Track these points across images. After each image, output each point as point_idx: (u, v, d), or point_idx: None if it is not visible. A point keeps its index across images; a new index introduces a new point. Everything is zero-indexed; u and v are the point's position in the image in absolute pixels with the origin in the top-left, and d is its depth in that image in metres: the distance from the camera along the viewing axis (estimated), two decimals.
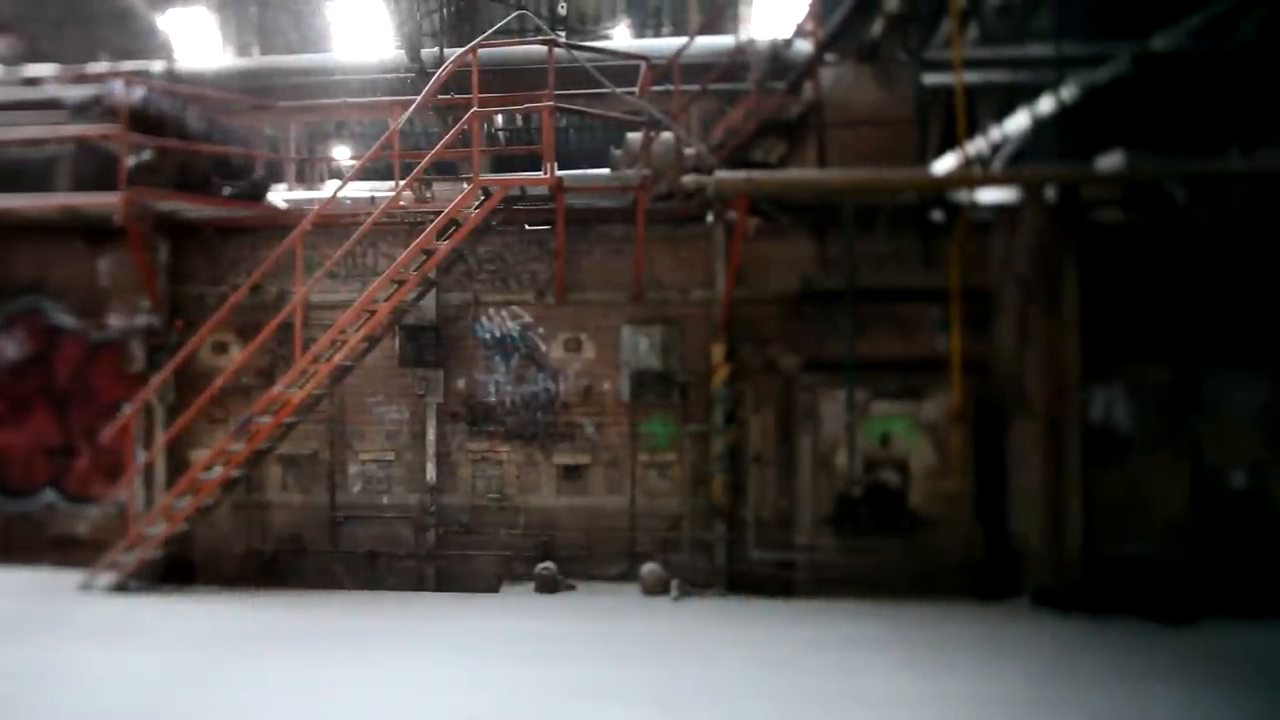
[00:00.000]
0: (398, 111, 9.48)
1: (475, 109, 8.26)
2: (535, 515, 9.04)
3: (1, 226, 9.25)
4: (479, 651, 6.60)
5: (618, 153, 9.89)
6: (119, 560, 8.32)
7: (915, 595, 8.14)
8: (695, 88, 9.94)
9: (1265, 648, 6.74)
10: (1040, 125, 8.92)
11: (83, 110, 9.30)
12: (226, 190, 9.46)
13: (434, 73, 9.01)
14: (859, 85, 8.87)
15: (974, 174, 8.25)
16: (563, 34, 15.95)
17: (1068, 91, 8.63)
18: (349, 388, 9.00)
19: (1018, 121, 9.21)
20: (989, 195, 8.35)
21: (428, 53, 11.35)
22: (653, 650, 6.67)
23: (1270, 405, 8.00)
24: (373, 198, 10.53)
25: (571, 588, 8.64)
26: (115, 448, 8.90)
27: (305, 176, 14.78)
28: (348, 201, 9.71)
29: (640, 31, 18.80)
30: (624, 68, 9.40)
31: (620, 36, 18.21)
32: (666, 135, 9.13)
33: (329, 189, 9.99)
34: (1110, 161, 7.91)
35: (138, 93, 9.10)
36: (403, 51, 11.48)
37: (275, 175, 12.25)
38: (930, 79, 9.00)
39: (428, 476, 9.11)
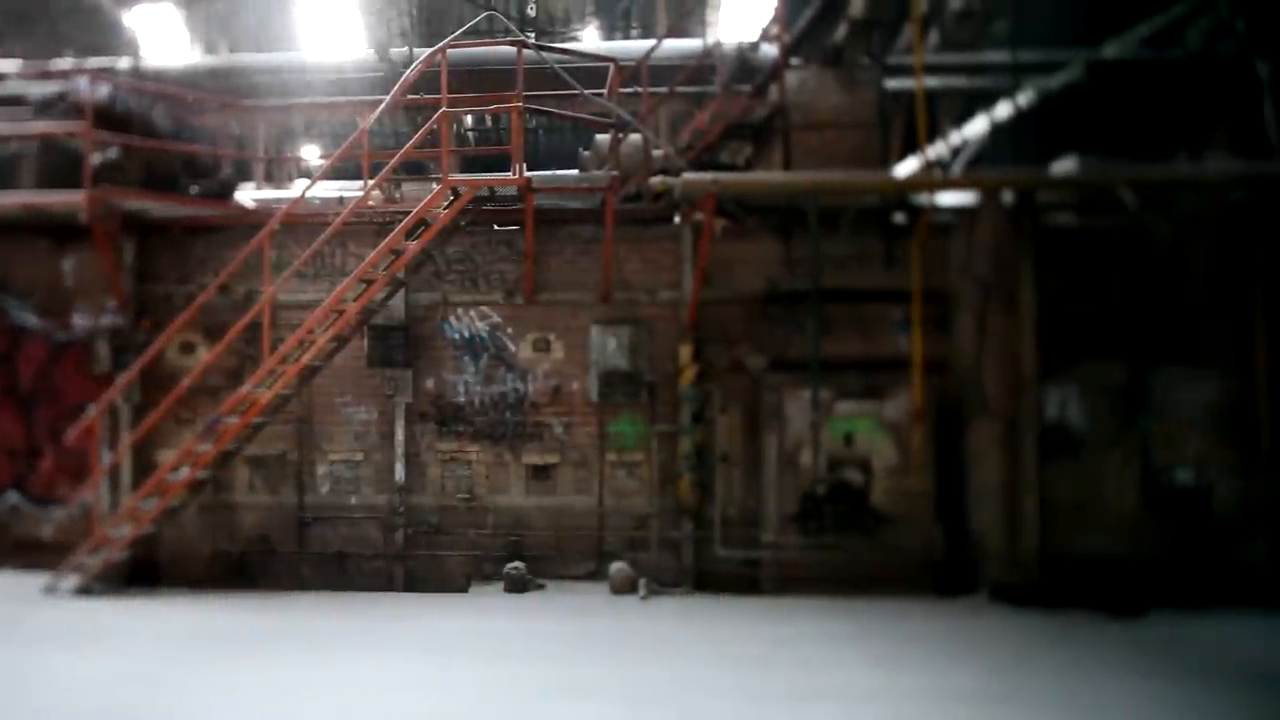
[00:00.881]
0: (367, 111, 9.49)
1: (444, 109, 8.30)
2: (504, 515, 9.09)
3: None
4: (448, 651, 6.64)
5: (586, 154, 9.97)
6: (84, 563, 8.26)
7: (878, 592, 8.28)
8: (663, 90, 10.03)
9: (1209, 638, 6.97)
10: (999, 130, 9.12)
11: (47, 107, 9.22)
12: (194, 189, 9.42)
13: (403, 72, 9.03)
14: (823, 89, 9.02)
15: (934, 177, 8.42)
16: (532, 35, 16.01)
17: (1024, 97, 8.84)
18: (317, 388, 8.99)
19: (977, 126, 9.42)
20: (949, 198, 8.53)
21: (397, 52, 11.36)
22: (620, 649, 6.75)
23: (1214, 404, 8.27)
24: (341, 197, 10.52)
25: (541, 587, 8.70)
26: (80, 449, 8.82)
27: (274, 175, 14.68)
28: (316, 201, 9.66)
29: (609, 33, 18.87)
30: (593, 69, 9.46)
31: (589, 38, 18.28)
32: (635, 137, 9.21)
33: (297, 188, 9.95)
34: (1064, 166, 8.13)
35: (103, 90, 9.04)
36: (372, 51, 11.48)
37: (243, 174, 12.16)
38: (892, 84, 9.17)
39: (396, 477, 9.13)
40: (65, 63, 11.03)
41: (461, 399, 9.14)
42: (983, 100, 9.36)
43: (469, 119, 16.14)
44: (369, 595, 8.74)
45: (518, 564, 8.73)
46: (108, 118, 8.92)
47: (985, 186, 8.31)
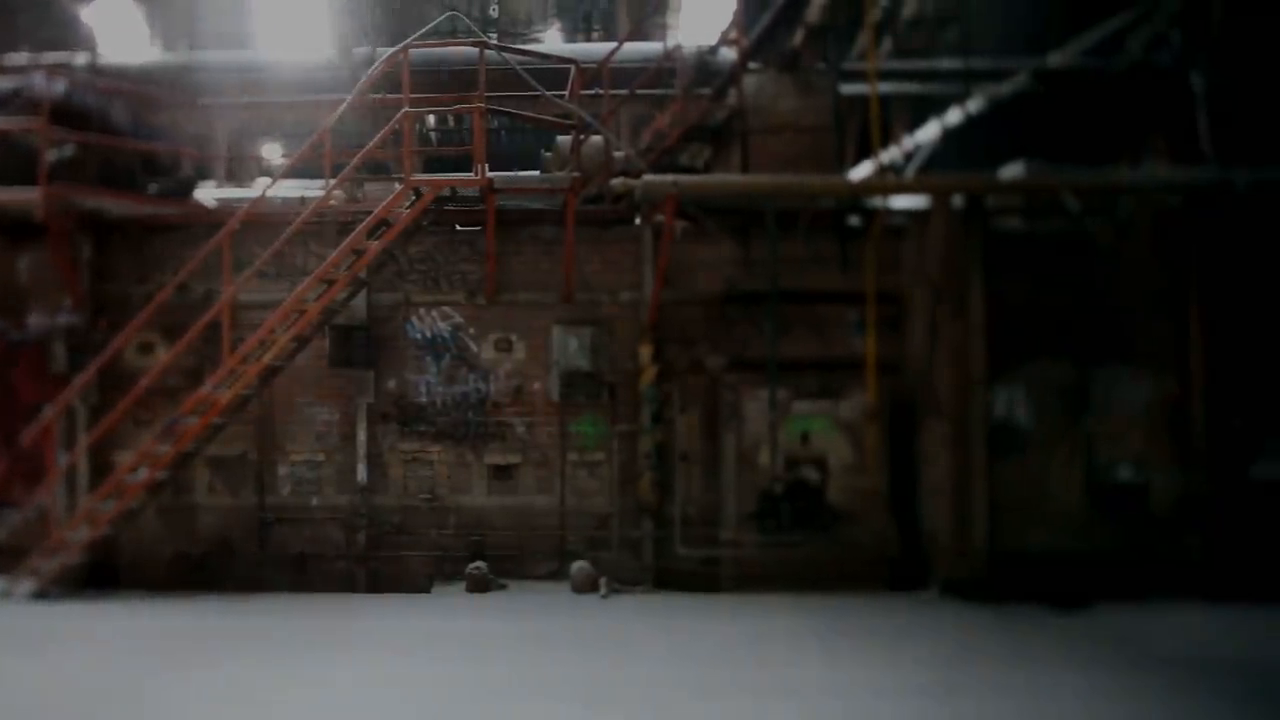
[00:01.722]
0: (329, 110, 9.47)
1: (406, 109, 8.33)
2: (466, 515, 9.14)
3: None
4: (409, 651, 6.66)
5: (548, 155, 10.04)
6: (40, 567, 8.18)
7: (834, 588, 8.44)
8: (624, 92, 10.14)
9: (1149, 629, 7.23)
10: (950, 135, 9.34)
11: (2, 103, 9.08)
12: (153, 187, 9.35)
13: (366, 72, 9.05)
14: (780, 93, 9.20)
15: (887, 181, 8.63)
16: (494, 36, 16.04)
17: (975, 103, 9.07)
18: (278, 388, 8.96)
19: (929, 131, 9.63)
20: (902, 202, 8.72)
21: (359, 52, 11.36)
22: (581, 647, 6.82)
23: (1153, 403, 8.56)
24: (303, 197, 10.50)
25: (503, 587, 8.76)
26: (36, 451, 8.72)
27: (234, 174, 14.57)
28: (278, 200, 9.63)
29: (571, 36, 18.97)
30: (555, 71, 9.55)
31: (551, 40, 18.36)
32: (596, 138, 9.31)
33: (258, 187, 9.92)
34: (1011, 171, 8.36)
35: (60, 85, 8.95)
36: (335, 50, 11.45)
37: (203, 172, 12.08)
38: (847, 89, 9.35)
39: (358, 477, 9.14)
40: (21, 58, 10.89)
41: (424, 399, 9.18)
42: (935, 106, 9.58)
43: (431, 119, 16.12)
44: (331, 596, 8.73)
45: (480, 564, 8.79)
46: (64, 114, 8.82)
47: (936, 190, 8.51)
